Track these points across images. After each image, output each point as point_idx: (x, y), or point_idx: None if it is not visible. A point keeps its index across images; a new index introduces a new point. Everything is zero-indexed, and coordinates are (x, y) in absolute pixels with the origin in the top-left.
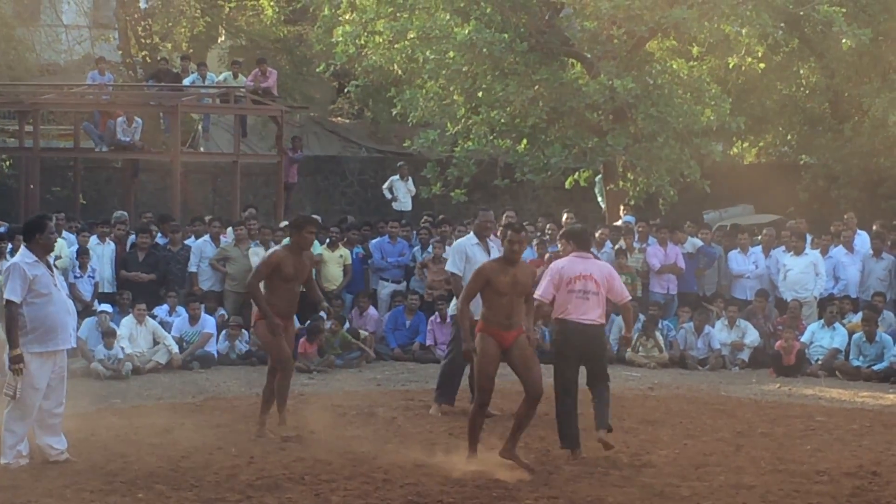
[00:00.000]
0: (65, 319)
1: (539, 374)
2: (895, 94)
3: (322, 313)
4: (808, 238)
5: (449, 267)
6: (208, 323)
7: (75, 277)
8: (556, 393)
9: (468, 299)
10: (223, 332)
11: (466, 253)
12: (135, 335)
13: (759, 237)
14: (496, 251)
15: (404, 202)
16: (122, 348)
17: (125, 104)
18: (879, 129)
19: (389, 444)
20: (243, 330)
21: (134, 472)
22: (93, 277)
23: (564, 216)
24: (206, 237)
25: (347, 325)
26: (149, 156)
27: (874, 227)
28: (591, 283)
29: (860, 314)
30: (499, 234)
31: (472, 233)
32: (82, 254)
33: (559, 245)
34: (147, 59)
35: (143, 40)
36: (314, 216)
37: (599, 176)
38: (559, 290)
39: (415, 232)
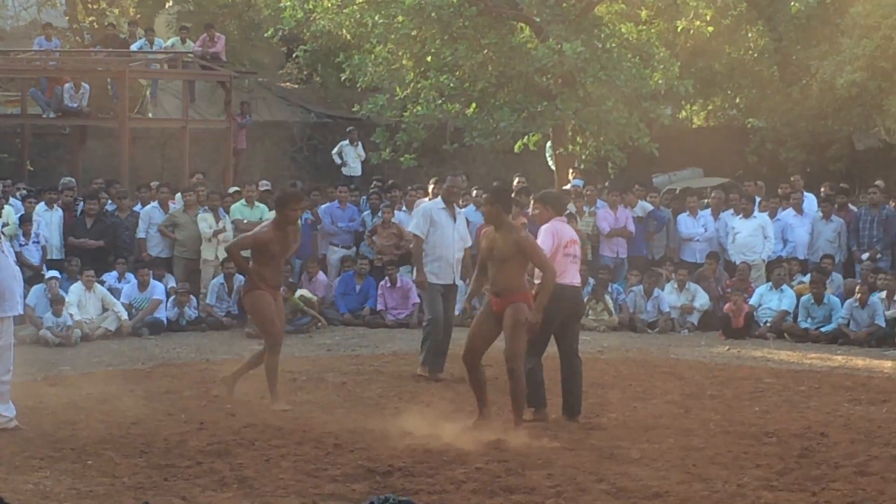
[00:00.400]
0: (11, 286)
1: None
2: (843, 56)
3: None
4: (757, 200)
5: (412, 228)
6: (157, 289)
7: (20, 245)
8: (526, 353)
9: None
10: (172, 298)
11: (432, 216)
12: (83, 302)
13: (707, 200)
14: (462, 217)
15: (354, 167)
16: (71, 315)
17: (72, 70)
18: (827, 91)
19: (340, 409)
20: (192, 296)
21: (83, 440)
22: (38, 243)
23: (515, 181)
24: (155, 203)
25: (300, 292)
26: (96, 122)
27: (822, 190)
28: (576, 247)
29: (809, 276)
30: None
31: (439, 197)
32: (24, 221)
33: (533, 209)
34: (94, 24)
35: (90, 6)
36: (297, 190)
37: (549, 143)
38: (556, 255)
39: (364, 197)
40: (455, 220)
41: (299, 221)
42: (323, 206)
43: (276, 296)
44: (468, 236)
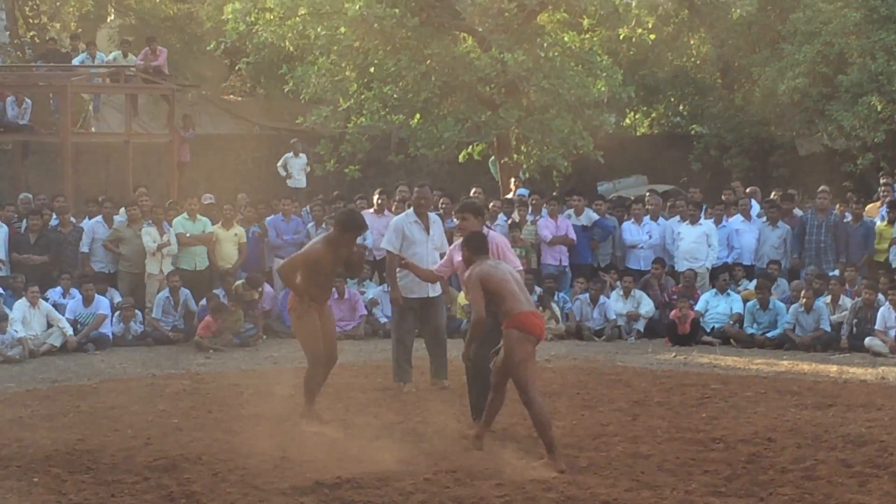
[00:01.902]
0: None
1: None
2: (784, 62)
3: (219, 290)
4: (703, 208)
5: (384, 244)
6: (102, 304)
7: None
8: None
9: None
10: (117, 313)
11: (404, 231)
12: (28, 318)
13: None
14: (438, 226)
15: (299, 179)
16: (16, 332)
17: (14, 85)
18: (769, 97)
19: (287, 421)
20: (137, 311)
21: (29, 456)
22: None
23: (473, 192)
24: (99, 218)
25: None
26: (39, 137)
27: (772, 195)
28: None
29: (754, 282)
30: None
31: (410, 209)
32: None
33: (458, 219)
34: (35, 39)
35: (31, 20)
36: (358, 220)
37: (493, 158)
38: None
39: (305, 209)
40: (429, 231)
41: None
42: (268, 218)
43: (323, 311)
44: (445, 244)
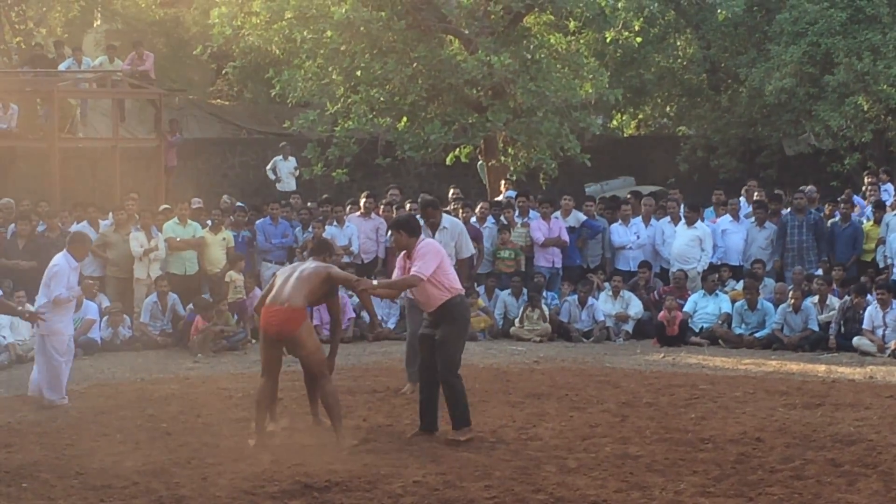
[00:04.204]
0: None
1: None
2: (771, 63)
3: (205, 295)
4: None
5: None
6: (91, 309)
7: None
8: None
9: None
10: (105, 318)
11: None
12: (16, 323)
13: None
14: (445, 234)
15: (288, 182)
16: (4, 337)
17: (0, 91)
18: (756, 98)
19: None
20: (125, 315)
21: (18, 462)
22: None
23: (451, 192)
24: (85, 223)
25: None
26: (26, 142)
27: (755, 197)
28: None
29: (742, 282)
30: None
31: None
32: None
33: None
34: (22, 45)
35: (17, 26)
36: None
37: (481, 163)
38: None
39: (295, 213)
40: (434, 235)
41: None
42: (256, 222)
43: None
44: (459, 247)
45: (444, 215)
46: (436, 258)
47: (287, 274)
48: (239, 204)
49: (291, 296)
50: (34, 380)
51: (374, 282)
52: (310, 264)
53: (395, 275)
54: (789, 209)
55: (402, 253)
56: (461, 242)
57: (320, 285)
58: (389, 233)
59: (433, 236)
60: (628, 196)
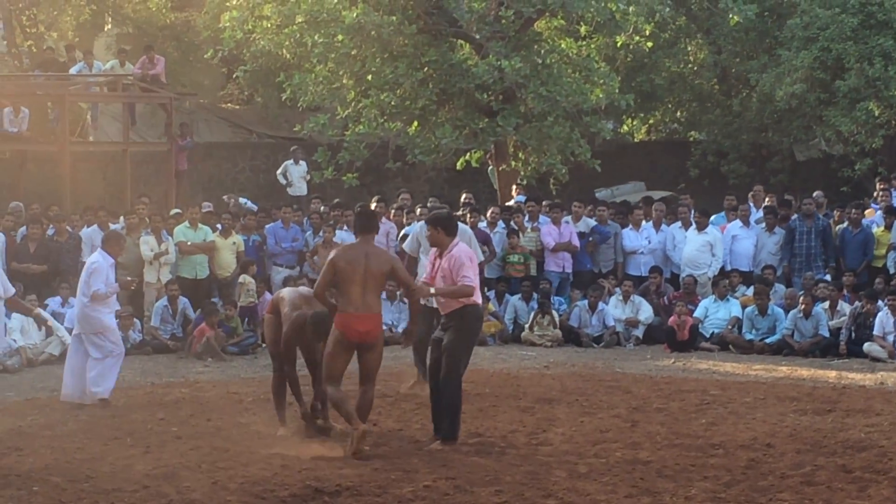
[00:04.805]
0: None
1: None
2: (782, 68)
3: (215, 299)
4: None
5: (405, 246)
6: None
7: None
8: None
9: None
10: (115, 321)
11: (418, 237)
12: (26, 327)
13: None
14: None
15: (299, 187)
16: (14, 341)
17: (11, 94)
18: (767, 103)
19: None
20: (135, 319)
21: (29, 465)
22: None
23: (463, 196)
24: (95, 226)
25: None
26: (37, 146)
27: (766, 202)
28: None
29: (752, 287)
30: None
31: None
32: None
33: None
34: (33, 48)
35: (28, 29)
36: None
37: (491, 168)
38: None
39: (306, 218)
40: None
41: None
42: (267, 226)
43: None
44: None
45: None
46: (474, 264)
47: (353, 270)
48: (248, 204)
49: (373, 303)
50: (68, 383)
51: (432, 289)
52: (371, 252)
53: (425, 273)
54: (798, 215)
55: (433, 252)
56: (470, 245)
57: (385, 282)
58: (399, 236)
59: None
60: (640, 202)
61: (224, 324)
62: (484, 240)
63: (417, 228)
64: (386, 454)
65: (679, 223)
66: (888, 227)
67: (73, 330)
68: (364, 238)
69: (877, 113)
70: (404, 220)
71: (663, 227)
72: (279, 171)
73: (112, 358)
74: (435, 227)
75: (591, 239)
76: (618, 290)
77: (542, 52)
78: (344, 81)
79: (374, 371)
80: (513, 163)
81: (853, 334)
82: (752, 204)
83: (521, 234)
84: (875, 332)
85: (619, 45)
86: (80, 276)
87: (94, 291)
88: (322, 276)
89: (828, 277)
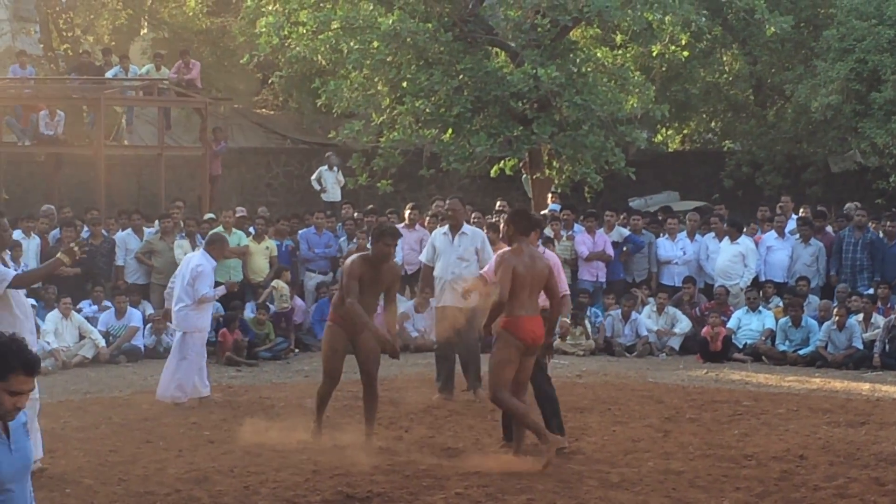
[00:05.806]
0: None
1: None
2: (817, 79)
3: (249, 303)
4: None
5: (421, 257)
6: (134, 316)
7: None
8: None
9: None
10: (149, 325)
11: (434, 243)
12: (60, 330)
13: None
14: (466, 238)
15: (333, 193)
16: (48, 343)
17: (47, 98)
18: (802, 114)
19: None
20: (169, 323)
21: (61, 468)
22: (17, 272)
23: (497, 204)
24: (130, 230)
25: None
26: (72, 149)
27: (801, 213)
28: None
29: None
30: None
31: (447, 225)
32: (14, 247)
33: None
34: (69, 52)
35: (64, 33)
36: (391, 225)
37: (525, 176)
38: None
39: (340, 224)
40: (454, 241)
41: (394, 259)
42: (300, 231)
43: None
44: (473, 257)
45: (464, 224)
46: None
47: (526, 273)
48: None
49: (537, 306)
50: (165, 383)
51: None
52: (536, 254)
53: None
54: (849, 226)
55: (497, 256)
56: (483, 253)
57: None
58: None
59: (452, 241)
60: (683, 214)
61: (251, 329)
62: None
63: (432, 236)
64: (418, 461)
65: (713, 233)
66: None
67: (175, 331)
68: (525, 241)
69: None
70: (438, 227)
71: (697, 237)
72: (313, 177)
73: (193, 362)
74: (510, 223)
75: (625, 248)
76: (651, 300)
77: (578, 60)
78: (379, 88)
79: (529, 377)
80: (547, 171)
81: (887, 346)
82: (782, 215)
83: (556, 243)
84: None
85: (654, 54)
86: (113, 280)
87: (203, 296)
88: (501, 283)
89: (871, 291)
